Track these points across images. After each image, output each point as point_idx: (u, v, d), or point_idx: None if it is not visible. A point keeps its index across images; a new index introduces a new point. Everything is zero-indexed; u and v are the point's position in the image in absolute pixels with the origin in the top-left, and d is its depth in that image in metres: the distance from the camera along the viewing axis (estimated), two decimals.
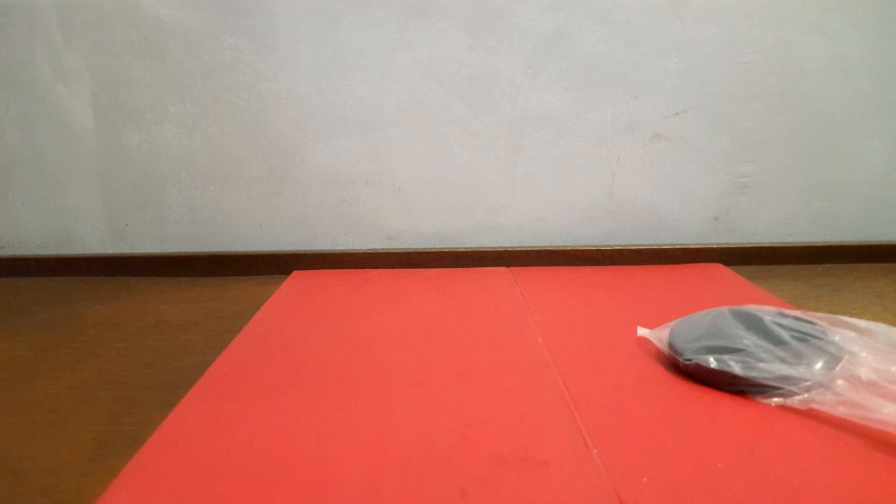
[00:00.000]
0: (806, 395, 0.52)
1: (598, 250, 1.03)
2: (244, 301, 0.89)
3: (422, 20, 0.95)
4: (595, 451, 0.47)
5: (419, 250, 1.04)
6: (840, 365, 0.53)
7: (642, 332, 0.66)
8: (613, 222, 1.04)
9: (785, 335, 0.57)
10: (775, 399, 0.53)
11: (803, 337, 0.57)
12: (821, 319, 0.61)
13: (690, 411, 0.53)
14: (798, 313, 0.64)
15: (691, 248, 1.03)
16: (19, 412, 0.58)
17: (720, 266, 1.00)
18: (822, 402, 0.51)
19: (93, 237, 1.05)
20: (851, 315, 0.62)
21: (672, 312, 0.71)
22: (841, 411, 0.49)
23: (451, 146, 1.01)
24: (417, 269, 1.02)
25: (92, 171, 1.02)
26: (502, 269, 1.02)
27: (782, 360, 0.54)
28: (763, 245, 1.03)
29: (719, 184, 1.02)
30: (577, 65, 0.97)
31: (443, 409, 0.54)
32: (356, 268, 1.03)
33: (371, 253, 1.04)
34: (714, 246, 1.03)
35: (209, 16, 0.95)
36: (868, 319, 0.59)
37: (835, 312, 0.63)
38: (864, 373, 0.52)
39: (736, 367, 0.54)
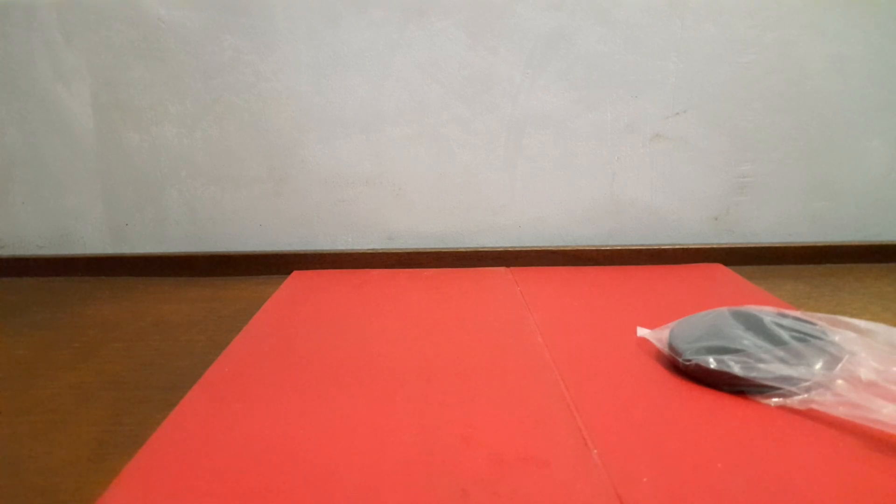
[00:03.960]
0: (806, 396, 0.52)
1: (598, 250, 1.03)
2: (244, 301, 0.89)
3: (422, 20, 0.95)
4: (595, 451, 0.47)
5: (419, 250, 1.04)
6: (840, 365, 0.53)
7: (642, 332, 0.66)
8: (613, 222, 1.04)
9: (785, 335, 0.57)
10: (775, 399, 0.53)
11: (803, 337, 0.57)
12: (821, 319, 0.61)
13: (690, 411, 0.53)
14: (798, 313, 0.64)
15: (691, 248, 1.03)
16: (19, 412, 0.58)
17: (720, 266, 1.00)
18: (822, 402, 0.51)
19: (93, 237, 1.05)
20: (851, 315, 0.62)
21: (672, 312, 0.71)
22: (841, 411, 0.49)
23: (451, 146, 1.01)
24: (417, 269, 1.02)
25: (92, 171, 1.02)
26: (502, 269, 1.02)
27: (782, 361, 0.54)
28: (763, 245, 1.03)
29: (719, 184, 1.02)
30: (577, 65, 0.97)
31: (443, 409, 0.54)
32: (356, 268, 1.03)
33: (371, 253, 1.04)
34: (714, 246, 1.03)
35: (209, 16, 0.95)
36: (868, 319, 0.59)
37: (835, 312, 0.63)
38: (864, 373, 0.52)
39: (736, 367, 0.54)
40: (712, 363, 0.56)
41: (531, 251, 1.04)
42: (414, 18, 0.95)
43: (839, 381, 0.52)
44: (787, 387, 0.53)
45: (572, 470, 0.45)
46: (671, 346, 0.61)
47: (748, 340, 0.57)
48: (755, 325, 0.60)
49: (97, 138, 1.01)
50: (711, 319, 0.63)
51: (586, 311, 0.79)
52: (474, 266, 1.03)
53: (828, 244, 1.03)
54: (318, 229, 1.05)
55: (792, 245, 1.03)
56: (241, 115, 0.99)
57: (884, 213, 1.03)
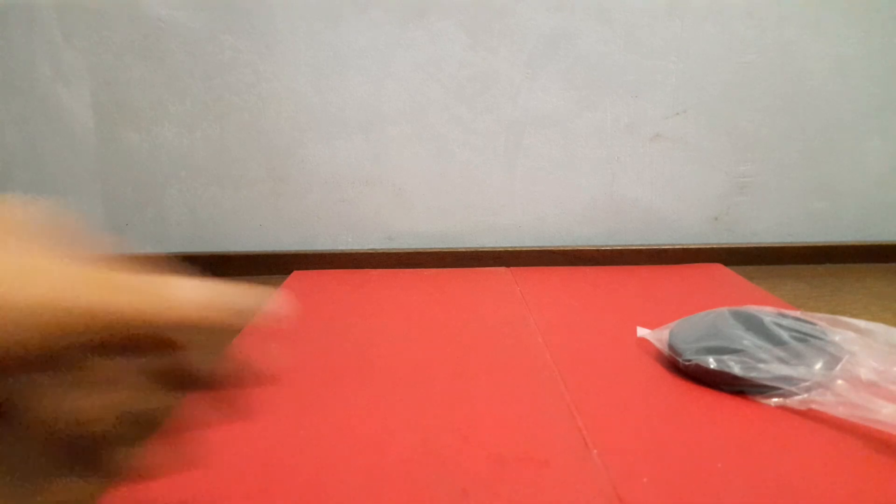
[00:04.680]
0: (806, 396, 0.52)
1: (598, 250, 1.03)
2: None
3: (422, 20, 0.95)
4: (595, 451, 0.47)
5: (419, 250, 1.04)
6: (840, 365, 0.53)
7: (642, 332, 0.66)
8: (613, 222, 1.04)
9: (785, 335, 0.57)
10: (775, 399, 0.53)
11: (803, 337, 0.57)
12: (821, 320, 0.61)
13: (690, 411, 0.53)
14: (798, 314, 0.64)
15: (691, 248, 1.03)
16: None
17: (720, 266, 1.00)
18: (822, 402, 0.51)
19: None
20: (851, 315, 0.62)
21: (672, 312, 0.71)
22: (841, 411, 0.49)
23: (451, 146, 1.01)
24: (417, 269, 1.02)
25: (92, 171, 1.02)
26: (502, 269, 1.01)
27: (782, 361, 0.54)
28: (763, 245, 1.03)
29: (719, 184, 1.02)
30: (577, 65, 0.97)
31: (443, 409, 0.54)
32: (356, 268, 1.03)
33: (371, 253, 1.04)
34: (714, 246, 1.03)
35: (209, 16, 0.95)
36: (868, 319, 0.59)
37: (835, 312, 0.63)
38: (864, 373, 0.52)
39: (735, 367, 0.54)
40: (712, 363, 0.56)
41: (531, 251, 1.03)
42: (414, 18, 0.95)
43: (839, 381, 0.52)
44: (787, 387, 0.52)
45: (572, 470, 0.45)
46: (671, 347, 0.61)
47: (748, 340, 0.57)
48: (755, 325, 0.60)
49: (97, 138, 1.01)
50: (711, 319, 0.63)
51: (586, 311, 0.79)
52: (474, 266, 1.03)
53: (828, 244, 1.03)
54: (318, 229, 1.05)
55: (792, 245, 1.03)
56: (241, 115, 0.99)
57: (884, 214, 1.03)
